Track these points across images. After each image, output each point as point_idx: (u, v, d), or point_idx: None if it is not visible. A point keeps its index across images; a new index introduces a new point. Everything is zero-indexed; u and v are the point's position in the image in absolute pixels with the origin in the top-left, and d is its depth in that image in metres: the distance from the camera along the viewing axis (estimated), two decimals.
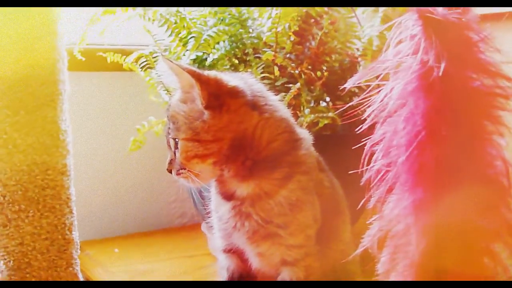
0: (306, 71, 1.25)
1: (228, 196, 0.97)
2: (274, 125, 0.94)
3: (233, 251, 1.03)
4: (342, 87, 0.87)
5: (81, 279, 1.21)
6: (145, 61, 1.36)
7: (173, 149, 0.95)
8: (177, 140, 0.93)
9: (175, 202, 1.80)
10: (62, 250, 1.15)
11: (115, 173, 1.71)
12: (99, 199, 1.68)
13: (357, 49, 1.38)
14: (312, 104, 1.21)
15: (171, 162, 0.96)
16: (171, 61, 0.89)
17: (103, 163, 1.68)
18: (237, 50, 1.30)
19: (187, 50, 1.27)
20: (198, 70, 0.90)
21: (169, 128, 0.95)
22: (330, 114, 1.22)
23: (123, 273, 1.39)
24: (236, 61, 1.32)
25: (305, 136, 0.99)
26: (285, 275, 1.00)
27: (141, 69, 1.45)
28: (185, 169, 0.93)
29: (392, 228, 0.75)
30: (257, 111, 0.93)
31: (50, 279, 1.13)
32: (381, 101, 0.77)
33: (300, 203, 0.95)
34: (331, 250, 1.05)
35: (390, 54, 0.78)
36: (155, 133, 1.49)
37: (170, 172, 0.96)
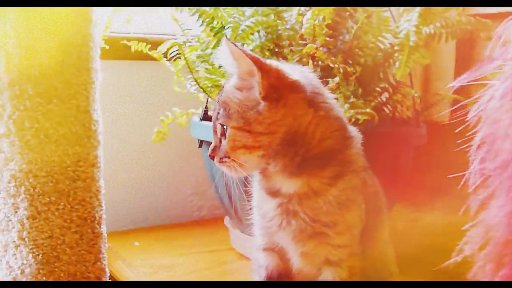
0: (341, 65, 1.19)
1: (273, 192, 0.92)
2: (328, 123, 0.88)
3: (274, 250, 0.98)
4: (450, 85, 0.81)
5: (108, 274, 1.15)
6: (177, 50, 1.30)
7: (219, 135, 0.90)
8: (225, 127, 0.88)
9: (193, 195, 1.75)
10: (91, 244, 1.10)
11: (133, 165, 1.65)
12: (117, 191, 1.63)
13: (390, 44, 1.33)
14: (351, 100, 1.15)
15: (214, 149, 0.91)
16: (235, 45, 0.83)
17: (122, 155, 1.62)
18: (269, 42, 1.25)
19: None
20: (261, 58, 0.85)
21: (218, 113, 0.89)
22: (368, 110, 1.17)
23: (145, 267, 1.34)
24: (268, 53, 1.27)
25: (355, 134, 0.93)
26: (327, 275, 0.95)
27: (167, 59, 1.40)
28: (229, 157, 0.88)
29: (492, 235, 0.70)
30: (313, 108, 0.87)
31: (78, 274, 1.08)
32: (487, 102, 0.71)
33: (349, 203, 0.90)
34: (371, 249, 1.00)
35: (501, 53, 0.72)
36: (179, 124, 1.44)
37: (213, 158, 0.91)
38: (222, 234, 1.53)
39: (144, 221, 1.66)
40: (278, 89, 0.85)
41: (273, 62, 0.87)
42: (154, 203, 1.69)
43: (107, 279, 1.15)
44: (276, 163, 0.88)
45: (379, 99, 1.37)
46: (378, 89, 1.35)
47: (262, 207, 0.94)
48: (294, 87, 0.86)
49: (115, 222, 1.58)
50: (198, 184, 1.75)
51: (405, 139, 1.33)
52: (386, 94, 1.39)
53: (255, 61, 0.83)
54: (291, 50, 1.21)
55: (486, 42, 1.30)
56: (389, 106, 1.38)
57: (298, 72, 0.89)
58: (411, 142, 1.35)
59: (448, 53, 1.75)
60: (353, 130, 0.94)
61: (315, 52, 1.14)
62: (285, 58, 1.24)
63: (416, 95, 1.30)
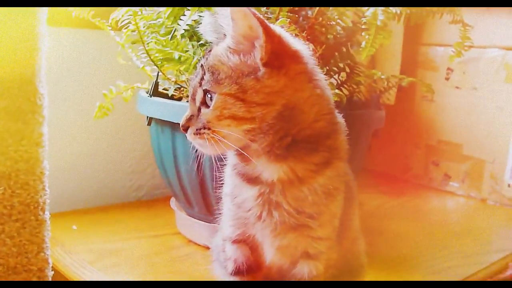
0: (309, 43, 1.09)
1: (252, 179, 0.80)
2: (322, 104, 0.78)
3: (246, 242, 0.87)
4: None
5: (51, 265, 1.01)
6: (128, 18, 1.15)
7: (198, 103, 0.77)
8: (210, 94, 0.75)
9: (133, 174, 1.60)
10: (34, 233, 0.95)
11: (70, 142, 1.48)
12: (52, 170, 1.46)
13: (353, 22, 1.25)
14: None
15: (190, 119, 0.78)
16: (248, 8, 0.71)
17: (60, 130, 1.44)
18: None
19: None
20: (266, 21, 0.73)
21: (201, 78, 0.77)
22: (337, 91, 1.08)
23: (87, 253, 1.20)
24: None
25: (341, 120, 0.84)
26: (303, 268, 0.85)
27: (113, 28, 1.25)
28: (209, 129, 0.76)
29: None
30: (312, 84, 0.77)
31: (19, 266, 0.93)
32: None
33: (335, 192, 0.81)
34: (345, 239, 0.92)
35: None
36: (124, 99, 1.30)
37: (186, 130, 0.79)
38: (166, 217, 1.41)
39: (80, 202, 1.50)
40: (280, 56, 0.74)
41: (276, 28, 0.76)
42: (91, 182, 1.53)
43: (50, 271, 1.00)
44: (263, 141, 0.76)
45: (335, 78, 1.28)
46: (334, 68, 1.26)
47: (237, 196, 0.82)
48: (296, 57, 0.76)
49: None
50: (138, 163, 1.60)
51: (365, 122, 1.25)
52: (344, 75, 1.31)
53: (261, 23, 0.72)
54: None
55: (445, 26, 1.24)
56: (346, 86, 1.30)
57: (298, 43, 0.79)
58: (371, 125, 1.28)
59: (396, 35, 1.69)
60: (339, 116, 0.84)
61: (288, 27, 1.03)
62: None
63: (383, 77, 1.22)
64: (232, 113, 0.74)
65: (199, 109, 0.77)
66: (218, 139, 0.75)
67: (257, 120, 0.74)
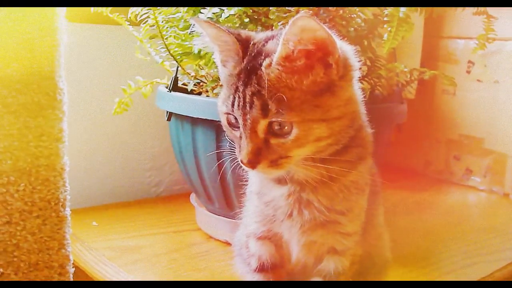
0: None
1: (283, 179, 0.78)
2: (359, 102, 0.77)
3: (270, 239, 0.84)
4: None
5: (72, 261, 0.99)
6: (146, 12, 1.13)
7: (262, 135, 0.70)
8: (282, 123, 0.69)
9: (152, 170, 1.58)
10: (55, 230, 0.93)
11: (88, 137, 1.46)
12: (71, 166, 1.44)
13: (374, 15, 1.22)
14: None
15: (259, 153, 0.71)
16: (312, 19, 0.65)
17: (77, 126, 1.42)
18: (247, 8, 1.11)
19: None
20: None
21: (262, 108, 0.69)
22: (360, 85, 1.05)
23: (106, 250, 1.19)
24: (247, 20, 1.13)
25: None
26: (329, 264, 0.83)
27: (131, 23, 1.23)
28: (288, 157, 0.71)
29: None
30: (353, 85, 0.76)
31: (40, 263, 0.91)
32: None
33: (365, 187, 0.80)
34: (370, 235, 0.89)
35: None
36: (143, 95, 1.28)
37: (255, 166, 0.71)
38: (186, 212, 1.39)
39: (100, 199, 1.49)
40: (344, 65, 0.71)
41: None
42: (111, 178, 1.51)
43: (71, 267, 0.98)
44: (329, 151, 0.74)
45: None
46: None
47: (266, 194, 0.80)
48: (350, 61, 0.73)
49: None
50: (157, 158, 1.58)
51: (387, 116, 1.22)
52: (365, 68, 1.27)
53: (331, 37, 0.68)
54: (277, 16, 1.07)
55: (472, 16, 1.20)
56: (367, 80, 1.27)
57: (346, 44, 0.75)
58: (394, 120, 1.25)
59: (416, 28, 1.65)
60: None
61: None
62: (266, 26, 1.10)
63: (406, 69, 1.19)
64: (317, 136, 0.70)
65: (266, 140, 0.71)
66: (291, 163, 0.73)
67: (333, 134, 0.72)
